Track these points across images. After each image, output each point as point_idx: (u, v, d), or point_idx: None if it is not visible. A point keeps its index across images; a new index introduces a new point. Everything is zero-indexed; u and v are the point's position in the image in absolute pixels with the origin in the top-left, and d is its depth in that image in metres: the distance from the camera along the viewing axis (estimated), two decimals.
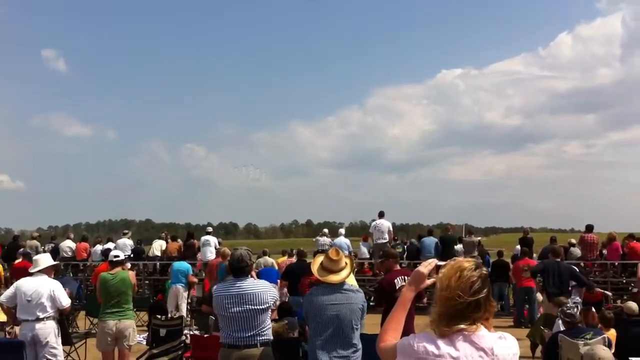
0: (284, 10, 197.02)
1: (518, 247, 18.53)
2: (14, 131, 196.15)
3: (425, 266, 2.73)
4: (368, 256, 19.37)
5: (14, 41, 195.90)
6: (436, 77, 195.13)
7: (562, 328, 8.14)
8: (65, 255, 19.96)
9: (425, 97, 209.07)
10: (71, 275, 19.32)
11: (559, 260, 11.91)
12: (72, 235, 22.14)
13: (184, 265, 14.96)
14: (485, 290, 2.39)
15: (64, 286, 7.89)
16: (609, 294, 14.72)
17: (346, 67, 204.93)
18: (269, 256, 17.46)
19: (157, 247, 20.17)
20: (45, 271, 7.76)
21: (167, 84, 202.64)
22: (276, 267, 15.70)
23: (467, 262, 2.46)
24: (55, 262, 8.52)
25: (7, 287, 9.97)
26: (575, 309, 7.98)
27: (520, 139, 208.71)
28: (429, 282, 2.72)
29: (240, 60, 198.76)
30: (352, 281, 10.04)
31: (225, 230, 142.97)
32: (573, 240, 18.33)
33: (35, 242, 20.53)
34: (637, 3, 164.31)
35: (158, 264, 19.67)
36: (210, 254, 17.72)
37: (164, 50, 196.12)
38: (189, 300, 14.77)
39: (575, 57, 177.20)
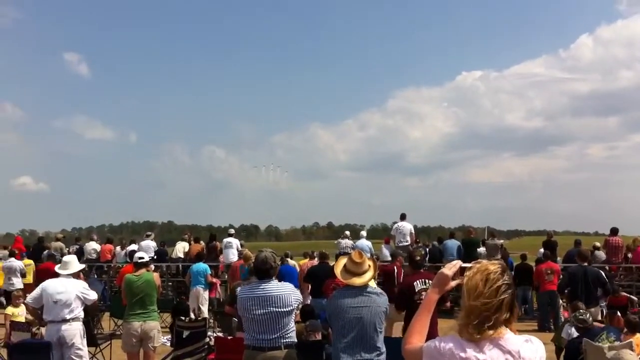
0: (304, 13, 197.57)
1: (542, 250, 18.36)
2: (37, 134, 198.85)
3: (450, 268, 2.74)
4: (390, 259, 19.30)
5: (37, 45, 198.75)
6: (456, 80, 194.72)
7: (574, 334, 8.08)
8: (90, 257, 20.13)
9: (446, 100, 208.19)
10: (95, 276, 19.49)
11: (585, 264, 11.71)
12: (96, 237, 22.31)
13: (202, 266, 15.08)
14: (510, 291, 2.42)
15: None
16: (635, 298, 14.54)
17: (365, 69, 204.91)
18: (291, 258, 17.51)
19: (180, 248, 20.28)
20: (74, 274, 7.86)
21: (188, 86, 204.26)
22: (297, 269, 15.72)
23: (493, 265, 2.48)
24: (83, 266, 8.63)
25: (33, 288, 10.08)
26: (588, 315, 7.92)
27: (542, 141, 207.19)
28: (453, 284, 2.73)
29: (260, 62, 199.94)
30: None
31: (246, 232, 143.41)
32: (597, 244, 18.15)
33: (60, 244, 20.74)
34: None
35: (181, 265, 19.77)
36: (232, 256, 17.80)
37: (184, 52, 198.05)
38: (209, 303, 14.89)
39: (596, 59, 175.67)
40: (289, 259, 17.16)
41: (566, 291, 12.18)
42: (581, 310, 8.17)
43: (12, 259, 17.19)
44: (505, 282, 2.41)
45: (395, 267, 12.05)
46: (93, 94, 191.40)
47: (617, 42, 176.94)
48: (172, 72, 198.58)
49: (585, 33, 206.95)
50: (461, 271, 2.63)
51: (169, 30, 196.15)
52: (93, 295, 7.77)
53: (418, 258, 8.09)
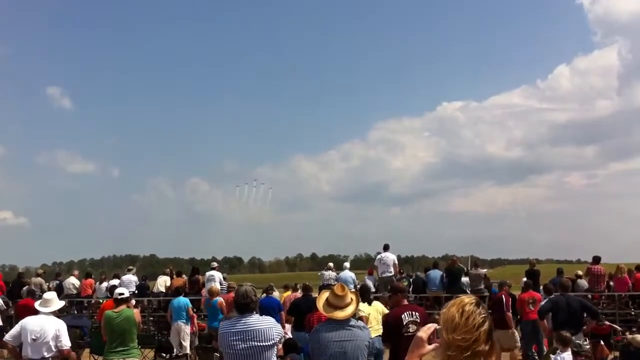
0: (286, 48, 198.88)
1: (524, 279, 18.38)
2: (19, 168, 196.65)
3: (425, 331, 2.62)
4: (374, 290, 19.23)
5: (20, 80, 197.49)
6: (437, 110, 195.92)
7: None
8: (70, 292, 19.87)
9: (427, 130, 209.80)
10: (75, 312, 19.21)
11: (567, 294, 11.72)
12: (76, 273, 22.08)
13: (182, 300, 14.88)
14: (487, 323, 2.42)
15: (76, 322, 7.90)
16: (618, 327, 14.55)
17: (348, 102, 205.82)
18: (274, 292, 17.35)
19: (162, 282, 20.07)
20: (54, 312, 7.76)
21: (171, 119, 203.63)
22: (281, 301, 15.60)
23: (468, 298, 2.51)
24: (63, 303, 8.51)
25: (12, 325, 9.93)
26: (584, 340, 7.93)
27: (523, 170, 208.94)
28: (430, 347, 2.58)
29: (244, 95, 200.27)
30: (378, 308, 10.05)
31: (229, 265, 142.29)
32: (580, 272, 18.20)
33: (39, 280, 20.47)
34: (631, 36, 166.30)
35: (162, 300, 19.54)
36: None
37: (166, 86, 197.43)
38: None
39: (574, 89, 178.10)
40: (273, 291, 17.02)
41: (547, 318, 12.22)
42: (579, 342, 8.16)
43: None
44: (482, 314, 2.42)
45: (503, 296, 13.07)
46: (75, 128, 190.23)
47: (594, 72, 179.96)
48: (154, 106, 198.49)
49: (562, 64, 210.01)
50: (436, 334, 2.58)
51: (152, 65, 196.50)
52: (67, 344, 7.63)
53: (402, 287, 8.07)
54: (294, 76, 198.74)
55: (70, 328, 8.42)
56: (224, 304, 13.81)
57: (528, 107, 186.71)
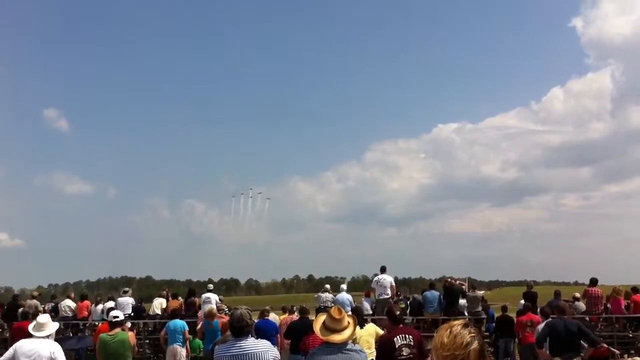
0: (283, 69, 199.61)
1: (522, 301, 18.33)
2: (15, 190, 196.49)
3: None
4: (371, 312, 19.14)
5: (17, 101, 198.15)
6: (432, 132, 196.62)
7: None
8: (65, 315, 19.74)
9: (422, 151, 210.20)
10: (71, 334, 19.07)
11: (565, 317, 11.66)
12: (72, 295, 21.95)
13: (178, 323, 14.80)
14: (477, 342, 2.45)
15: (81, 344, 7.83)
16: (616, 350, 14.49)
17: (344, 123, 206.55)
18: (270, 314, 17.25)
19: (158, 305, 19.99)
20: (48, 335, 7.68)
21: (167, 140, 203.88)
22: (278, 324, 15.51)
23: (456, 321, 2.58)
24: (57, 326, 8.43)
25: (6, 348, 9.85)
26: None
27: (518, 192, 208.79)
28: None
29: (240, 117, 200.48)
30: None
31: (226, 287, 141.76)
32: (577, 294, 18.16)
33: (35, 302, 20.31)
34: (625, 59, 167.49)
35: (158, 322, 19.43)
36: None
37: (162, 106, 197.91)
38: None
39: (568, 112, 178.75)
40: (269, 314, 16.92)
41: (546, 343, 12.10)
42: None
43: None
44: (470, 333, 2.45)
45: None
46: (72, 149, 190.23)
47: (587, 94, 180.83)
48: (150, 127, 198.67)
49: (556, 86, 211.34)
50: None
51: (148, 86, 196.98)
52: None
53: (397, 313, 8.00)
54: (291, 98, 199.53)
55: (66, 352, 8.34)
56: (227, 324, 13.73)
57: (522, 129, 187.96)
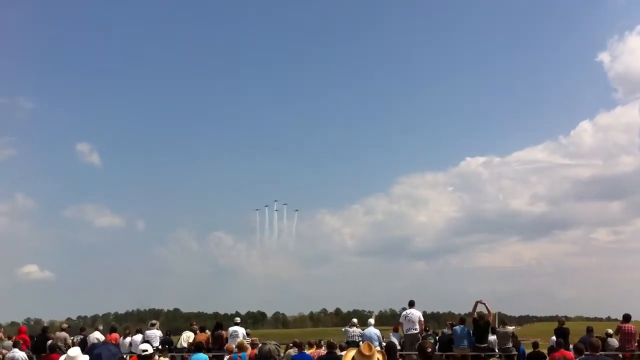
0: (309, 101, 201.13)
1: (554, 338, 18.02)
2: (47, 223, 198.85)
3: None
4: (399, 347, 18.94)
5: (50, 136, 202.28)
6: (460, 165, 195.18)
7: None
8: None
9: (450, 185, 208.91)
10: None
11: (598, 354, 11.45)
12: (100, 327, 22.11)
13: (201, 357, 14.77)
14: None
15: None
16: None
17: (371, 156, 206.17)
18: (306, 347, 17.20)
19: (186, 338, 20.02)
20: None
21: (196, 174, 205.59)
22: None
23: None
24: (87, 358, 8.46)
25: None
26: None
27: (547, 226, 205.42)
28: None
29: (265, 150, 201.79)
30: None
31: (253, 320, 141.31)
32: (610, 331, 17.82)
33: (64, 334, 20.49)
34: None
35: (186, 355, 19.43)
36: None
37: (191, 142, 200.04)
38: None
39: (597, 145, 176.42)
40: (304, 348, 16.83)
41: None
42: None
43: (16, 349, 16.97)
44: None
45: None
46: (103, 182, 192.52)
47: (616, 128, 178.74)
48: (179, 161, 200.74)
49: (584, 119, 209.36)
50: None
51: (176, 121, 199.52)
52: None
53: (429, 350, 7.81)
54: (317, 130, 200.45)
55: None
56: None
57: (551, 162, 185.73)
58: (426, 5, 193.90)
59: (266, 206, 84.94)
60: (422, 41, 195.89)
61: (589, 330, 16.89)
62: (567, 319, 20.87)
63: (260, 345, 6.57)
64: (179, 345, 20.16)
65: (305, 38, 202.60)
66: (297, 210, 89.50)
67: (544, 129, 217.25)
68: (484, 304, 17.85)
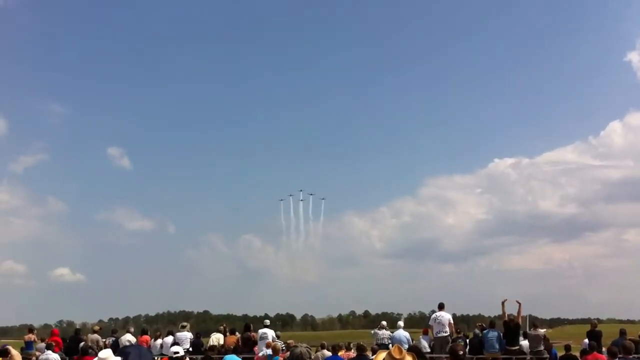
0: (337, 105, 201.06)
1: (586, 340, 17.80)
2: (78, 226, 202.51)
3: None
4: (429, 350, 18.83)
5: (82, 140, 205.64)
6: (488, 167, 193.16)
7: None
8: None
9: (478, 187, 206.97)
10: None
11: (631, 357, 11.31)
12: (132, 329, 22.32)
13: (233, 358, 14.83)
14: None
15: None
16: None
17: (398, 158, 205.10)
18: (327, 350, 17.20)
19: (215, 340, 20.13)
20: None
21: (225, 177, 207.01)
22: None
23: None
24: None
25: None
26: None
27: (578, 227, 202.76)
28: None
29: (294, 152, 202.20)
30: None
31: (282, 322, 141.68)
32: None
33: (96, 336, 20.74)
34: None
35: (216, 358, 19.52)
36: (266, 348, 17.57)
37: (220, 146, 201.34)
38: None
39: (627, 146, 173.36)
40: (324, 351, 16.85)
41: None
42: None
43: (49, 351, 17.22)
44: None
45: None
46: (134, 186, 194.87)
47: None
48: (209, 164, 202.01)
49: (614, 120, 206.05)
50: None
51: (206, 125, 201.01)
52: None
53: (461, 352, 7.74)
54: (345, 133, 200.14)
55: None
56: None
57: (581, 163, 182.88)
58: (452, 6, 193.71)
59: (290, 195, 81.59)
60: (450, 43, 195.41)
61: (622, 333, 16.64)
62: (599, 321, 20.57)
63: (291, 347, 6.60)
64: (209, 347, 20.27)
65: (338, 40, 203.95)
66: (323, 199, 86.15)
67: (573, 130, 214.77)
68: (519, 303, 17.76)
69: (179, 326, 21.80)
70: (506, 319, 17.71)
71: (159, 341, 20.18)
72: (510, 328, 17.49)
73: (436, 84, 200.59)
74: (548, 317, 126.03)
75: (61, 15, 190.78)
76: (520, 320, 17.99)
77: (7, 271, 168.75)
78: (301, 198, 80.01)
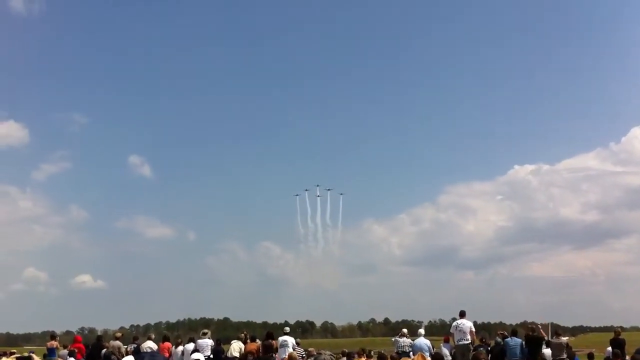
0: (357, 113, 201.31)
1: (609, 349, 17.62)
2: (99, 234, 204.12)
3: None
4: (450, 358, 18.76)
5: (103, 149, 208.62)
6: (508, 174, 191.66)
7: None
8: None
9: (498, 194, 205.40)
10: None
11: None
12: (153, 336, 22.44)
13: None
14: None
15: None
16: None
17: (418, 166, 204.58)
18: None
19: (236, 347, 20.17)
20: None
21: (244, 185, 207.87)
22: None
23: None
24: None
25: None
26: None
27: (600, 234, 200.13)
28: None
29: (314, 160, 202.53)
30: None
31: (302, 329, 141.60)
32: None
33: (118, 343, 20.87)
34: None
35: None
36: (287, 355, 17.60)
37: (240, 155, 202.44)
38: None
39: None
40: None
41: None
42: None
43: (72, 358, 17.39)
44: None
45: None
46: (154, 194, 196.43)
47: None
48: (228, 173, 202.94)
49: (636, 126, 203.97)
50: None
51: (224, 136, 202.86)
52: None
53: None
54: (366, 141, 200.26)
55: None
56: None
57: (603, 170, 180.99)
58: (470, 15, 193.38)
59: (306, 190, 78.47)
60: (470, 50, 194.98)
61: None
62: (622, 329, 20.35)
63: (315, 355, 6.64)
64: (229, 355, 20.33)
65: (361, 47, 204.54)
66: (342, 194, 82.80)
67: (594, 136, 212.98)
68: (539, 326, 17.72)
69: (200, 333, 21.90)
70: (529, 333, 17.69)
71: (180, 348, 20.27)
72: (533, 339, 17.39)
73: (456, 93, 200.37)
74: (570, 325, 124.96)
75: (82, 27, 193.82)
76: (542, 332, 17.93)
77: (29, 278, 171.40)
78: (317, 194, 77.22)
